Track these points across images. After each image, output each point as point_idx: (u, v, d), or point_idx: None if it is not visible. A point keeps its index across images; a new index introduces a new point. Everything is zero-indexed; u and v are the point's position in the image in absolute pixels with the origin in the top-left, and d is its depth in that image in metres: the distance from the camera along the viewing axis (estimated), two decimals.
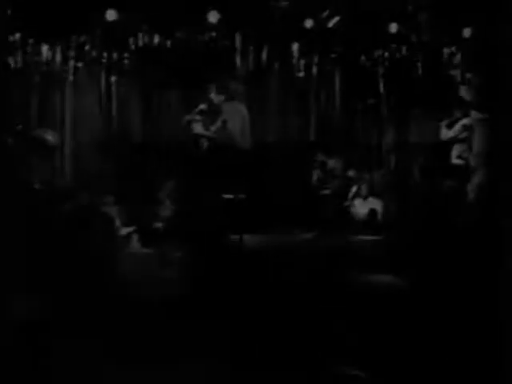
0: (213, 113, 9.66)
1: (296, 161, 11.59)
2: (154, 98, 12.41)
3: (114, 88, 12.34)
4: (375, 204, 10.99)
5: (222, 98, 9.71)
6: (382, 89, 12.49)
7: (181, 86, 12.22)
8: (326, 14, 11.89)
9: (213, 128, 9.67)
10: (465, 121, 9.50)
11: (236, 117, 9.64)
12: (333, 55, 12.53)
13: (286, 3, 11.65)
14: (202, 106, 9.78)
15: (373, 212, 10.91)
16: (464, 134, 9.54)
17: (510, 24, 11.28)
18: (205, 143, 9.63)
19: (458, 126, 9.62)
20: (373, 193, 11.14)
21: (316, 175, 11.24)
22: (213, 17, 12.02)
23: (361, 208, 11.03)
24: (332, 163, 11.22)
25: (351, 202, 11.07)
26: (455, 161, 9.68)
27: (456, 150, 9.82)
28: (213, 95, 9.79)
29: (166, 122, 12.20)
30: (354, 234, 10.42)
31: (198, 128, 9.73)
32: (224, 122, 9.53)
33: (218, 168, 9.23)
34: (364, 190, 11.10)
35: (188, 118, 9.78)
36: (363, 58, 12.53)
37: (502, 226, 8.11)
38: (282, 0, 11.65)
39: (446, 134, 9.98)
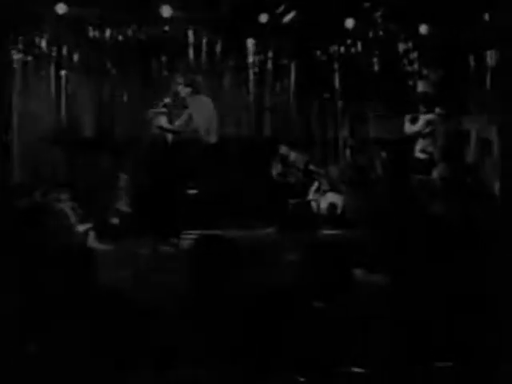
0: (178, 106, 9.45)
1: (258, 155, 11.47)
2: (107, 91, 12.11)
3: (63, 82, 12.04)
4: (335, 198, 10.93)
5: (189, 90, 9.49)
6: (337, 84, 12.43)
7: (135, 80, 12.01)
8: (281, 8, 11.80)
9: (178, 122, 9.45)
10: (428, 116, 9.53)
11: (202, 111, 9.45)
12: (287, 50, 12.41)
13: None
14: (167, 100, 9.59)
15: (332, 206, 10.85)
16: (427, 129, 9.57)
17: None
18: (169, 137, 9.38)
19: (422, 121, 9.64)
20: (333, 187, 11.09)
21: (277, 169, 11.12)
22: (166, 11, 11.85)
23: (322, 202, 10.96)
24: (293, 156, 11.10)
25: (313, 196, 11.00)
26: (419, 155, 9.69)
27: (420, 145, 9.83)
28: (180, 88, 9.57)
29: (123, 115, 11.94)
30: (315, 229, 10.40)
31: (162, 121, 9.51)
32: (190, 116, 9.29)
33: (182, 162, 9.02)
34: (324, 184, 11.04)
35: (153, 111, 9.53)
36: (318, 53, 12.44)
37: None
38: None
39: (409, 128, 9.98)
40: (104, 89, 12.07)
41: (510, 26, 6.27)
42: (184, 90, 9.47)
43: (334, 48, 12.39)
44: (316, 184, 11.07)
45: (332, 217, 10.74)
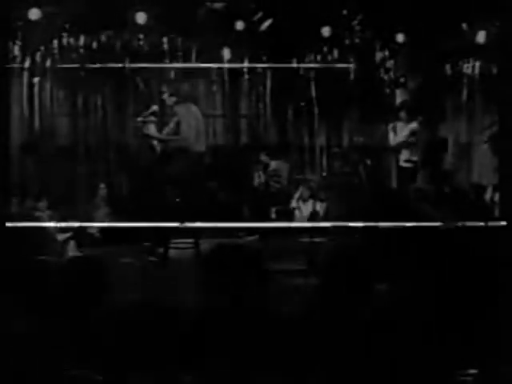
0: (166, 115, 9.31)
1: (239, 163, 11.38)
2: (81, 99, 11.92)
3: (36, 89, 11.82)
4: (316, 206, 10.89)
5: (175, 99, 9.33)
6: (313, 92, 12.39)
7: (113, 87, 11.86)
8: (258, 16, 11.73)
9: (165, 130, 9.29)
10: (412, 125, 9.50)
11: (190, 119, 9.25)
12: (264, 58, 12.35)
13: (220, 4, 11.43)
14: (155, 108, 9.43)
15: (314, 214, 10.81)
16: (412, 139, 9.54)
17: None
18: (157, 146, 9.23)
19: (407, 131, 9.60)
20: (315, 195, 11.05)
21: (259, 177, 11.03)
22: (140, 18, 11.72)
23: (304, 210, 10.91)
24: (275, 164, 11.03)
25: (295, 203, 10.93)
26: (403, 164, 9.64)
27: (404, 154, 9.78)
28: (165, 96, 9.43)
29: (101, 123, 11.77)
30: (297, 236, 10.34)
31: (151, 129, 9.34)
32: (178, 124, 9.14)
33: (171, 171, 8.86)
34: (306, 192, 10.99)
35: (141, 119, 9.36)
36: (295, 61, 12.40)
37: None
38: (217, 1, 11.42)
39: (394, 139, 9.90)
40: (78, 96, 11.89)
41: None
42: (170, 99, 9.32)
43: (310, 56, 12.37)
44: (299, 191, 11.03)
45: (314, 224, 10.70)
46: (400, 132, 10.05)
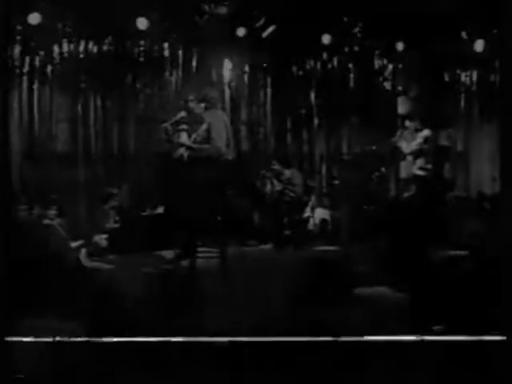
0: (194, 122, 9.08)
1: (252, 171, 11.34)
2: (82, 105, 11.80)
3: (36, 95, 11.68)
4: (325, 214, 10.95)
5: (203, 106, 9.14)
6: (313, 99, 12.45)
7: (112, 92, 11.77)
8: (261, 23, 11.73)
9: (194, 137, 9.02)
10: (425, 132, 9.52)
11: (219, 125, 9.05)
12: (264, 64, 12.38)
13: (223, 9, 11.39)
14: (182, 113, 9.18)
15: (324, 222, 10.87)
16: (426, 146, 9.55)
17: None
18: (184, 153, 9.05)
19: (420, 139, 9.62)
20: (325, 203, 11.11)
21: (274, 186, 10.98)
22: (141, 24, 11.66)
23: (315, 219, 10.94)
24: (289, 173, 10.99)
25: (309, 212, 10.94)
26: (418, 172, 9.67)
27: (418, 162, 9.78)
28: (192, 104, 9.28)
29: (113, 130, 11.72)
30: (311, 245, 10.41)
31: (183, 137, 9.10)
32: (207, 131, 8.93)
33: (200, 179, 8.66)
34: (316, 200, 11.04)
35: (166, 125, 9.18)
36: (295, 68, 12.45)
37: None
38: (220, 6, 11.38)
39: (407, 148, 9.88)
40: (78, 103, 11.78)
41: None
42: (198, 106, 9.19)
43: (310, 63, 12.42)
44: (313, 200, 11.05)
45: (324, 233, 10.77)
46: (411, 140, 10.06)
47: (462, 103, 12.40)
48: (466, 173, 12.28)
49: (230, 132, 9.30)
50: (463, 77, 12.37)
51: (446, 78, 12.20)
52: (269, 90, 12.54)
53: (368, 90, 12.18)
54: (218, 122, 9.07)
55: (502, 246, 5.12)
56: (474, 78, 12.37)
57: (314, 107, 12.47)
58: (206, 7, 11.50)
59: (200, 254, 8.60)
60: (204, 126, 8.86)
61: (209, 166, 8.58)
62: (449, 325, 5.58)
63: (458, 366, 5.26)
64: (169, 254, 9.48)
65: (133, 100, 11.85)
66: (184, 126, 9.01)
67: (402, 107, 11.74)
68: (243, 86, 12.46)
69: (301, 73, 12.46)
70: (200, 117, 8.98)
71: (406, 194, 10.48)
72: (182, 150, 8.94)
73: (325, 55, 12.32)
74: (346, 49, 12.12)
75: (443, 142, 11.40)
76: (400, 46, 11.96)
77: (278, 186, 10.81)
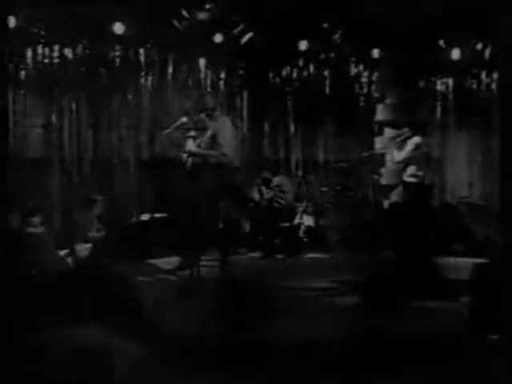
0: (197, 127, 8.87)
1: (240, 179, 11.22)
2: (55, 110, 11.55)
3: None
4: (310, 221, 10.91)
5: (203, 114, 8.97)
6: (290, 106, 12.43)
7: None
8: (239, 29, 11.65)
9: (197, 142, 8.86)
10: (415, 139, 9.49)
11: (224, 131, 8.90)
12: (241, 71, 12.30)
13: (205, 15, 11.28)
14: (184, 119, 8.90)
15: (309, 229, 10.84)
16: (418, 153, 9.52)
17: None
18: (188, 160, 8.81)
19: (411, 146, 9.59)
20: (309, 211, 11.07)
21: (263, 193, 10.87)
22: (118, 29, 11.48)
23: (303, 226, 10.90)
24: (278, 180, 10.89)
25: (299, 219, 10.86)
26: (409, 179, 9.65)
27: (409, 170, 9.75)
28: (195, 112, 9.08)
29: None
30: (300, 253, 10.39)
31: (190, 145, 8.86)
32: (213, 138, 8.80)
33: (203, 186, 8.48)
34: (303, 207, 10.99)
35: (167, 132, 8.99)
36: (271, 74, 12.42)
37: None
38: (204, 10, 11.26)
39: (398, 155, 9.84)
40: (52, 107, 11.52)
41: None
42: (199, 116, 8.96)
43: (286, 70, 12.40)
44: (303, 206, 10.98)
45: (310, 240, 10.76)
46: (401, 147, 10.00)
47: (438, 110, 12.53)
48: (443, 179, 12.42)
49: (236, 139, 9.19)
50: (439, 84, 12.51)
51: (423, 85, 12.34)
52: (245, 96, 12.48)
53: (345, 97, 12.23)
54: (224, 129, 8.94)
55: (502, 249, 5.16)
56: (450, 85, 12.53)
57: (290, 113, 12.46)
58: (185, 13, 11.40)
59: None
60: (209, 133, 8.72)
61: (215, 173, 8.46)
62: None
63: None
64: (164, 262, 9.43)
65: (109, 105, 11.66)
66: (192, 133, 8.78)
67: (381, 115, 11.80)
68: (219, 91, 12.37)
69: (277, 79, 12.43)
70: (203, 123, 8.82)
71: (393, 201, 10.53)
72: (184, 156, 8.77)
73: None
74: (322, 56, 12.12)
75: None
76: (376, 53, 12.00)
77: (268, 194, 10.73)
